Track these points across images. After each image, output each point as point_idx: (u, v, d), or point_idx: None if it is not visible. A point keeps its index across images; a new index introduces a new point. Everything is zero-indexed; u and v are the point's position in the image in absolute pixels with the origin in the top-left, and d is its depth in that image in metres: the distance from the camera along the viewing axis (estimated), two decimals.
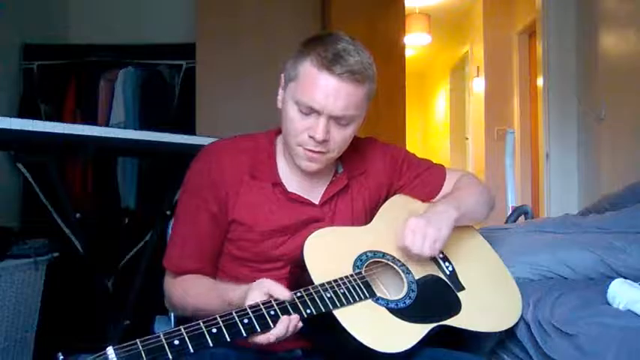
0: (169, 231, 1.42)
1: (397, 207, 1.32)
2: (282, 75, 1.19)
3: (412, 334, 1.06)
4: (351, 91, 1.11)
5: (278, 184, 1.21)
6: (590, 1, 3.44)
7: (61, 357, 0.80)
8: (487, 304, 1.23)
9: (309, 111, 1.12)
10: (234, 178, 1.19)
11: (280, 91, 1.20)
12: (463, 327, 1.13)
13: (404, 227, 1.17)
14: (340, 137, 1.15)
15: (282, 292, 0.97)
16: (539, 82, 3.92)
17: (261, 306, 0.95)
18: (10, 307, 2.30)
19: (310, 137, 1.13)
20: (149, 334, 1.35)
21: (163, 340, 0.85)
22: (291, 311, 0.97)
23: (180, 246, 1.22)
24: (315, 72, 1.10)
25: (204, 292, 1.14)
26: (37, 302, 2.45)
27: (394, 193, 1.35)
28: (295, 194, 1.21)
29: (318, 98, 1.10)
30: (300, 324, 0.98)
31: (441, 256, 1.25)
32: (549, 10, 3.74)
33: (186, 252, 1.21)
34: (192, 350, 0.86)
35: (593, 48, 3.39)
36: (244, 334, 0.92)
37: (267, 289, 0.98)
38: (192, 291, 1.17)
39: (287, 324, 0.95)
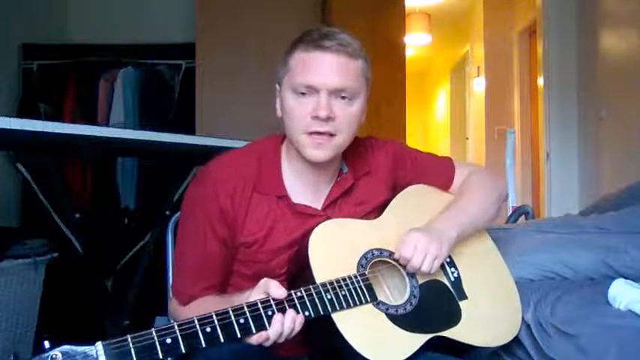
0: (169, 232, 1.40)
1: (410, 200, 1.29)
2: (276, 84, 1.18)
3: (408, 344, 1.04)
4: (346, 63, 1.10)
5: (283, 196, 1.18)
6: (591, 0, 3.43)
7: (48, 345, 0.79)
8: (487, 317, 1.20)
9: (308, 90, 1.10)
10: (242, 198, 1.15)
11: (277, 100, 1.18)
12: (460, 340, 1.12)
13: (403, 239, 1.14)
14: (344, 115, 1.12)
15: (277, 291, 0.95)
16: (540, 81, 3.92)
17: (259, 305, 0.93)
18: (9, 307, 2.29)
19: (314, 118, 1.10)
20: None
21: (155, 337, 0.83)
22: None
23: (191, 275, 1.18)
24: (305, 55, 1.11)
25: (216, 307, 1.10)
26: (36, 302, 2.45)
27: (400, 190, 1.31)
28: (301, 205, 1.19)
29: (314, 74, 1.09)
30: (300, 320, 0.95)
31: (447, 260, 1.22)
32: (549, 9, 3.74)
33: (198, 282, 1.17)
34: (183, 350, 0.84)
35: (593, 47, 3.39)
36: (238, 335, 0.90)
37: (264, 287, 0.96)
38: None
39: (281, 322, 0.93)
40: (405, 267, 1.16)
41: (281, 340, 0.95)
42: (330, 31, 1.12)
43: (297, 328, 0.95)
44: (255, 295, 0.96)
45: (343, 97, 1.12)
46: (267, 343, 0.93)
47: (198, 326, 0.87)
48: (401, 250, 1.13)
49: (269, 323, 0.93)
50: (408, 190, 1.31)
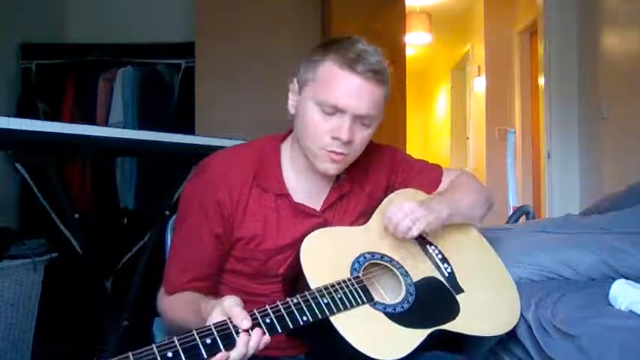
0: (168, 232, 1.40)
1: (397, 203, 1.29)
2: (295, 80, 1.18)
3: (410, 340, 1.04)
4: (373, 90, 1.11)
5: (283, 195, 1.18)
6: (592, 0, 3.42)
7: None
8: (486, 308, 1.21)
9: (333, 111, 1.10)
10: (241, 194, 1.16)
11: (291, 97, 1.18)
12: (461, 331, 1.12)
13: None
14: (361, 139, 1.15)
15: (241, 322, 0.89)
16: (541, 81, 3.91)
17: (229, 324, 0.89)
18: (8, 307, 2.29)
19: (334, 138, 1.11)
20: (148, 334, 1.34)
21: (156, 352, 0.82)
22: (287, 319, 0.94)
23: (180, 266, 1.19)
24: (337, 71, 1.10)
25: (184, 308, 1.10)
26: (35, 303, 2.45)
27: (391, 192, 1.33)
28: (301, 204, 1.19)
29: (343, 97, 1.09)
30: (266, 339, 0.92)
31: (440, 257, 1.24)
32: (550, 9, 3.73)
33: (186, 273, 1.17)
34: None
35: (594, 47, 3.38)
36: (204, 356, 0.86)
37: (226, 310, 0.91)
38: (176, 308, 1.14)
39: (246, 341, 0.89)
40: (400, 265, 1.17)
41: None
42: (365, 52, 1.11)
43: (262, 346, 0.91)
44: (216, 314, 0.91)
45: (364, 123, 1.13)
46: None
47: (198, 339, 0.86)
48: (387, 214, 1.17)
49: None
50: (396, 194, 1.32)
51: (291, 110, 1.19)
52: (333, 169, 1.16)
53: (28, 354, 2.42)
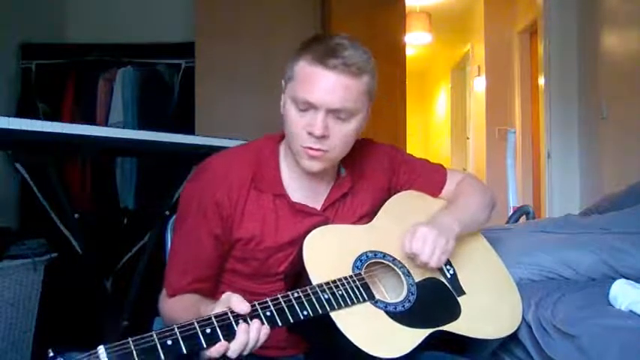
0: (168, 232, 1.40)
1: (402, 204, 1.30)
2: (283, 80, 1.18)
3: (410, 338, 1.04)
4: (347, 84, 1.09)
5: (282, 195, 1.18)
6: (592, 0, 3.42)
7: (52, 354, 0.79)
8: (487, 310, 1.21)
9: (306, 106, 1.10)
10: (239, 195, 1.16)
11: (282, 97, 1.18)
12: (462, 333, 1.12)
13: (412, 233, 1.15)
14: (341, 134, 1.12)
15: (240, 306, 0.92)
16: (541, 81, 3.91)
17: (229, 314, 0.91)
18: (8, 307, 2.29)
19: (309, 134, 1.10)
20: None
21: (156, 339, 0.84)
22: (288, 313, 0.95)
23: (180, 268, 1.19)
24: (309, 68, 1.10)
25: (185, 311, 1.10)
26: (35, 303, 2.44)
27: (393, 194, 1.33)
28: (300, 204, 1.19)
29: (314, 92, 1.09)
30: (266, 330, 0.93)
31: None
32: (551, 9, 3.73)
33: (186, 275, 1.18)
34: (184, 351, 0.85)
35: (594, 47, 3.38)
36: (204, 346, 0.87)
37: (227, 302, 0.93)
38: (177, 311, 1.14)
39: (246, 329, 0.90)
40: (402, 265, 1.16)
41: (246, 352, 0.92)
42: (338, 46, 1.10)
43: (262, 339, 0.93)
44: (218, 309, 0.93)
45: (340, 117, 1.12)
46: (232, 354, 0.90)
47: (198, 328, 0.87)
48: (410, 245, 1.14)
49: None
50: (400, 195, 1.32)
51: (282, 110, 1.19)
52: (314, 166, 1.14)
53: (28, 354, 2.42)
